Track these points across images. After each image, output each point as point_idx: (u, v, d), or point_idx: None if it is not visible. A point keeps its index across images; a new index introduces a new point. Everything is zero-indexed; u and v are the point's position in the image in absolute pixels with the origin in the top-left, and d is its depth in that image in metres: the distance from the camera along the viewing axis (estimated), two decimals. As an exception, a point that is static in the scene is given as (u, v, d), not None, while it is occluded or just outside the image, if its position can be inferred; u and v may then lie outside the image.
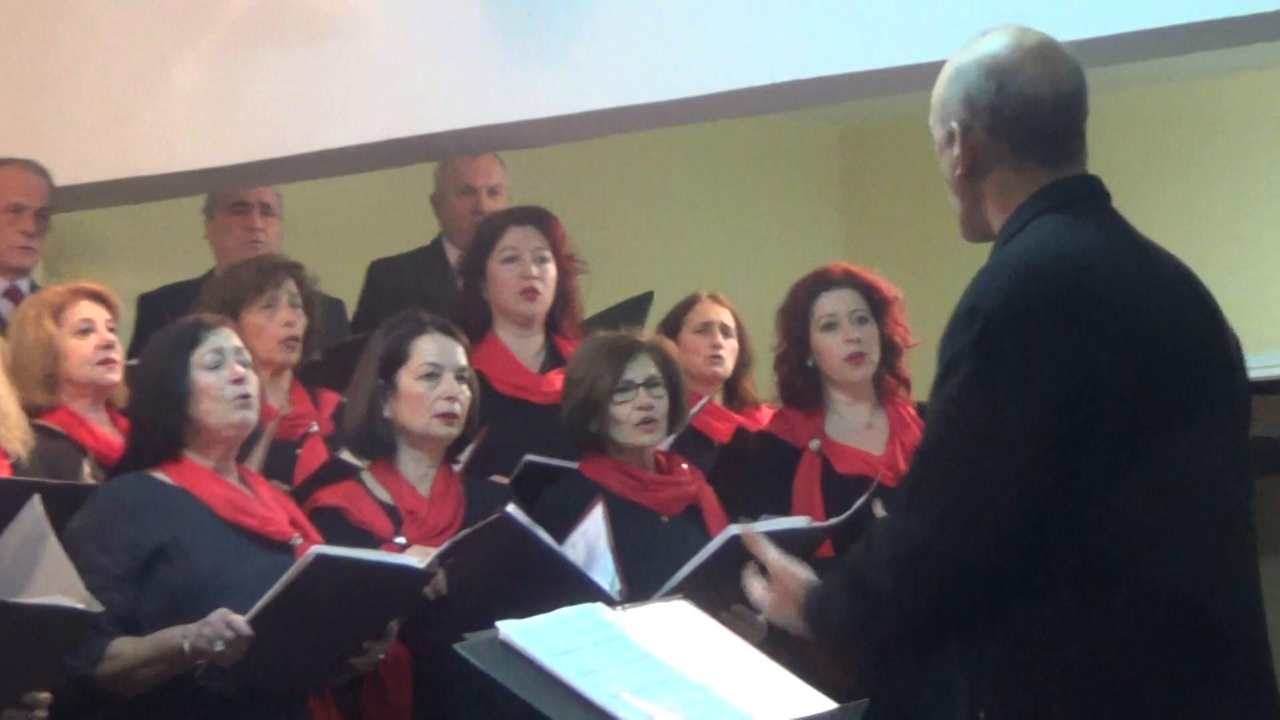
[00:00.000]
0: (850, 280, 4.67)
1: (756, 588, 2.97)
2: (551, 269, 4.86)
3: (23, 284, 5.04)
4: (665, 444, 4.56)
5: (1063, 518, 2.66)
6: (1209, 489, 2.73)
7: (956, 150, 2.81)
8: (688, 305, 5.22)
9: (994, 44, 2.83)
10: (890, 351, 4.69)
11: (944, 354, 2.73)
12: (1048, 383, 2.66)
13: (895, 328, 4.69)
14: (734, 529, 3.91)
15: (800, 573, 2.90)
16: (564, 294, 4.92)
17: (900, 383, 4.69)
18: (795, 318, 4.68)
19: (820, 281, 4.68)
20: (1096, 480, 2.68)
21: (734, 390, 5.09)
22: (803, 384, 4.69)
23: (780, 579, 2.93)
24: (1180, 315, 2.79)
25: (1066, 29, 3.36)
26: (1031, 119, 2.81)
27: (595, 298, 5.30)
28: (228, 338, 3.87)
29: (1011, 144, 2.81)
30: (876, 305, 4.67)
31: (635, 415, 4.31)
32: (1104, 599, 2.64)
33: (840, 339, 4.55)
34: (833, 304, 4.62)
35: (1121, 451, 2.69)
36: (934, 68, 2.91)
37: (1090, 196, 2.85)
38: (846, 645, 2.92)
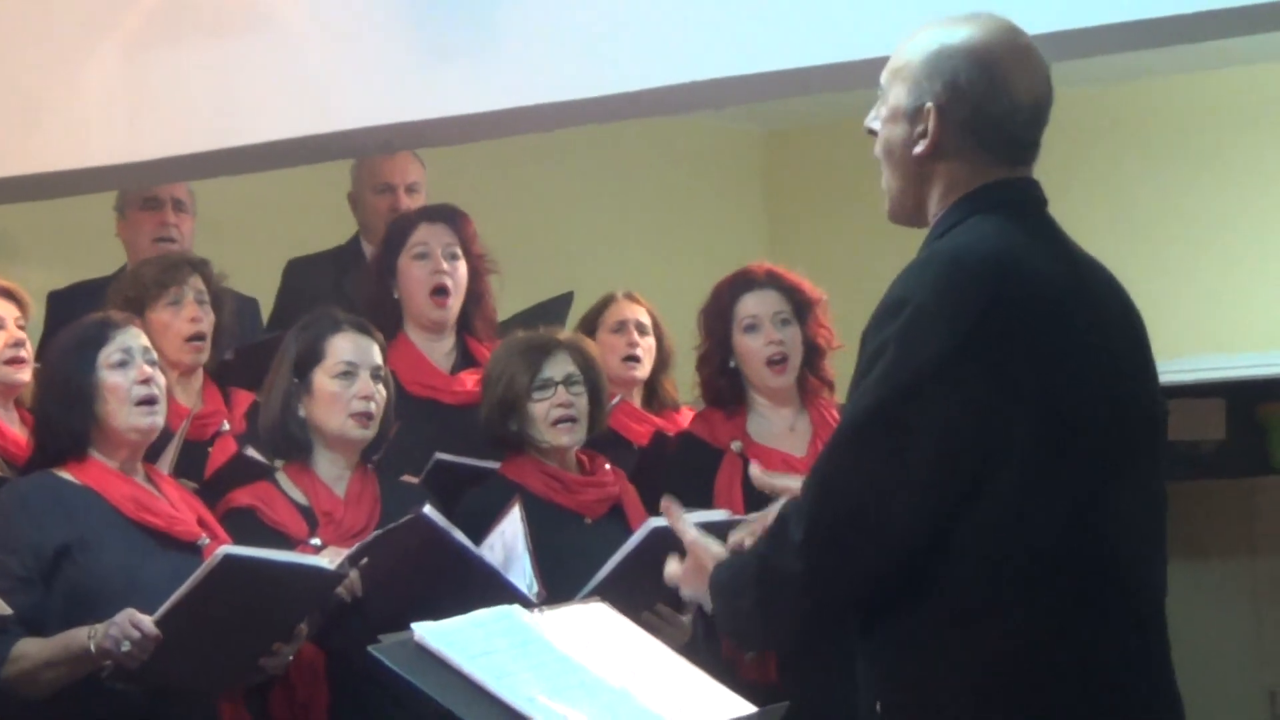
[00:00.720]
0: (773, 281, 4.66)
1: (673, 564, 2.95)
2: (462, 266, 4.85)
3: None
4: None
5: (967, 519, 2.64)
6: (1120, 498, 2.72)
7: (923, 128, 2.77)
8: (604, 304, 5.20)
9: (985, 34, 2.81)
10: (813, 353, 4.68)
11: (867, 345, 2.69)
12: (967, 381, 2.62)
13: (819, 329, 4.68)
14: (655, 521, 3.90)
15: (714, 547, 2.89)
16: (476, 293, 4.92)
17: (824, 384, 4.69)
18: (717, 318, 4.65)
19: (742, 282, 4.66)
20: (1005, 484, 2.65)
21: (653, 391, 5.10)
22: (725, 385, 4.68)
23: (694, 553, 2.92)
24: (1103, 323, 2.78)
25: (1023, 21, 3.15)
26: (1010, 124, 2.79)
27: (514, 298, 5.31)
28: (135, 336, 3.85)
29: (981, 140, 2.78)
30: (800, 306, 4.65)
31: (554, 413, 4.29)
32: (997, 600, 2.64)
33: (762, 340, 4.53)
34: (755, 305, 4.60)
35: (1034, 454, 2.66)
36: (859, 66, 3.01)
37: (1029, 201, 2.82)
38: (746, 625, 2.92)
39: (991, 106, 2.75)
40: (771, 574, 2.75)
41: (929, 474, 2.64)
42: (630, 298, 5.21)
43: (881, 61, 2.86)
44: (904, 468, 2.65)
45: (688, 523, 2.98)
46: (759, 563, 2.77)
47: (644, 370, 5.00)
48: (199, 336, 4.53)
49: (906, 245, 2.81)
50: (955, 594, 2.65)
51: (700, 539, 2.93)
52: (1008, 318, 2.65)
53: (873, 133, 2.84)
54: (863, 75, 3.08)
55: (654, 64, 4.95)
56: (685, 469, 4.56)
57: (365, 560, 3.76)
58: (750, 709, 3.41)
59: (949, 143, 2.75)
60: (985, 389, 2.62)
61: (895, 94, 2.79)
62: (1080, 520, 2.68)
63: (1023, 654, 2.65)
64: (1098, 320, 2.78)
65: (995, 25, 2.81)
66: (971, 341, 2.62)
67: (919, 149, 2.75)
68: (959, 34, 2.77)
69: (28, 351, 4.22)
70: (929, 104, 2.73)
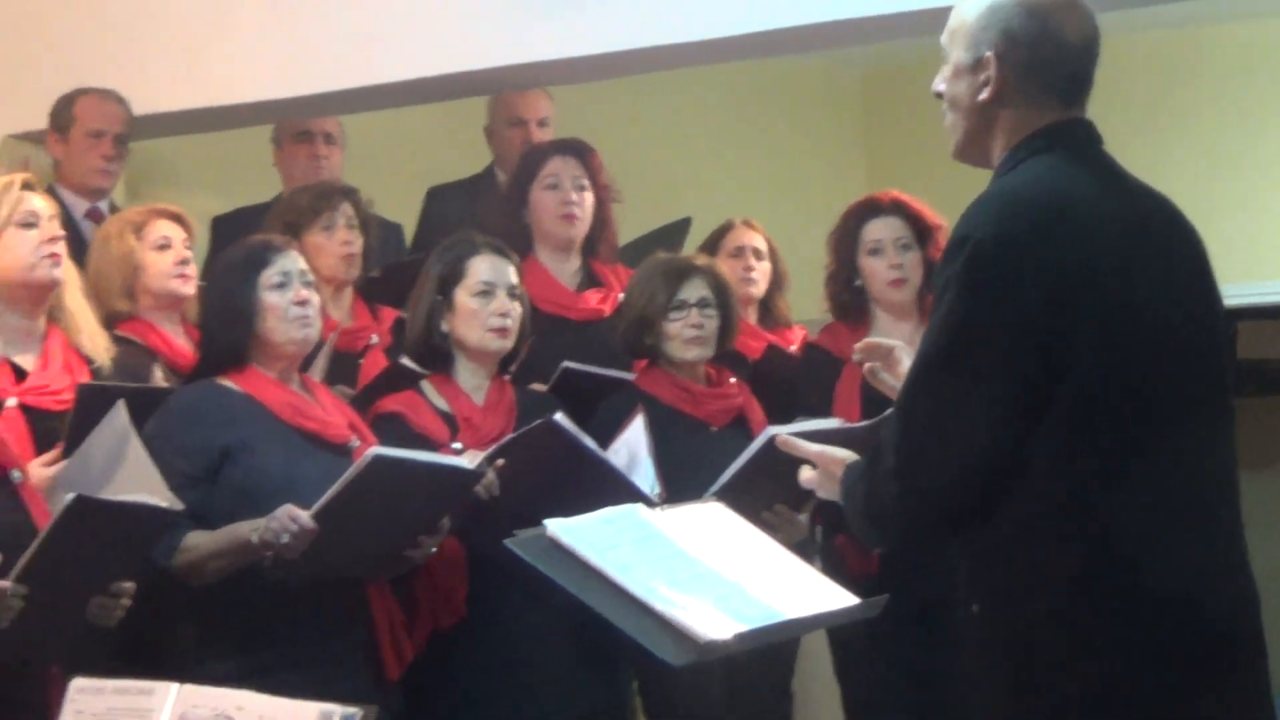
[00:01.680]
0: (897, 209, 4.70)
1: (806, 471, 3.03)
2: (589, 196, 4.93)
3: (103, 205, 5.11)
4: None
5: (1035, 437, 2.71)
6: (1182, 418, 2.76)
7: (984, 76, 2.81)
8: (723, 231, 5.25)
9: None
10: (932, 274, 4.63)
11: (936, 281, 2.79)
12: (1025, 311, 2.68)
13: (937, 253, 4.62)
14: (771, 430, 3.93)
15: (838, 453, 2.99)
16: (600, 220, 5.00)
17: None
18: (844, 241, 4.71)
19: (869, 209, 4.72)
20: (1067, 404, 2.71)
21: (768, 310, 5.14)
22: (849, 301, 4.73)
23: (823, 463, 3.01)
24: (1159, 251, 2.82)
25: None
26: (1062, 63, 2.83)
27: (634, 226, 5.39)
28: (294, 260, 3.92)
29: (1039, 82, 2.82)
30: (921, 232, 4.70)
31: (687, 332, 4.37)
32: (1066, 511, 2.70)
33: (884, 263, 4.60)
34: (879, 230, 4.66)
35: (1093, 377, 2.71)
36: (948, 12, 2.95)
37: (1085, 140, 2.87)
38: (863, 527, 2.98)
39: (1044, 48, 2.81)
40: (873, 493, 2.85)
41: (997, 401, 2.70)
42: (748, 224, 5.26)
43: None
44: (974, 397, 2.72)
45: (804, 443, 3.11)
46: (865, 484, 2.87)
47: (760, 291, 5.07)
48: (350, 256, 4.64)
49: (988, 179, 2.89)
50: (1030, 506, 2.72)
51: (825, 450, 3.04)
52: (1062, 250, 2.70)
53: (939, 95, 2.90)
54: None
55: (760, 10, 5.07)
56: (809, 377, 4.64)
57: (501, 461, 3.82)
58: (854, 600, 3.43)
59: (1010, 88, 2.80)
60: (1043, 318, 2.67)
61: (956, 53, 2.84)
62: (1138, 436, 2.73)
63: (1092, 560, 2.72)
64: (1154, 248, 2.83)
65: None
66: (1027, 274, 2.68)
67: (983, 95, 2.80)
68: None
69: (193, 270, 4.33)
70: (988, 53, 2.78)
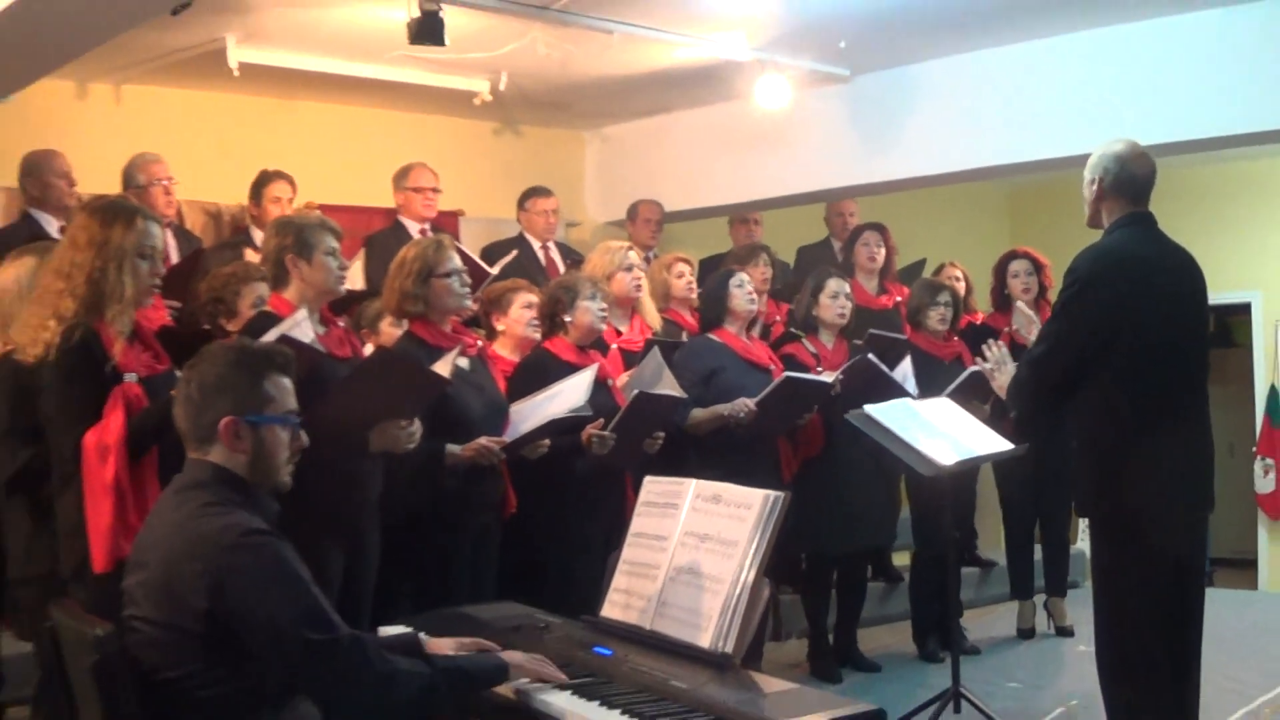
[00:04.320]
0: (1025, 255, 6.27)
1: (995, 377, 3.96)
2: (883, 251, 6.50)
3: None
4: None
5: (1104, 360, 3.49)
6: (1171, 359, 3.52)
7: (1095, 189, 3.64)
8: (940, 267, 6.87)
9: (1120, 145, 3.69)
10: (1043, 290, 6.11)
11: (1061, 290, 3.60)
12: (1100, 308, 3.49)
13: (1045, 279, 6.12)
14: (973, 368, 5.39)
15: (1010, 369, 3.89)
16: (888, 261, 6.58)
17: (1048, 304, 5.95)
18: (999, 271, 6.31)
19: (1011, 256, 6.29)
20: (1120, 345, 3.47)
21: (965, 305, 6.43)
22: (1000, 303, 6.20)
23: (1003, 374, 3.91)
24: (1175, 279, 3.59)
25: (1145, 136, 4.24)
26: (1132, 184, 3.64)
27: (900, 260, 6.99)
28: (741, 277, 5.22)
29: (1120, 192, 3.64)
30: (1038, 268, 6.20)
31: (938, 315, 5.97)
32: (1113, 393, 3.50)
33: (1020, 284, 6.20)
34: (1017, 267, 6.25)
35: (1131, 337, 3.46)
36: (1080, 158, 3.81)
37: (1145, 221, 3.65)
38: (1014, 402, 3.87)
39: (1123, 177, 3.62)
40: (1018, 379, 3.75)
41: (1083, 340, 3.50)
42: (953, 265, 6.89)
43: (1085, 156, 3.80)
44: (1072, 336, 3.53)
45: (998, 374, 3.93)
46: (1014, 378, 3.77)
47: (961, 295, 6.31)
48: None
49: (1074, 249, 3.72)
50: (1100, 391, 3.52)
51: (1005, 367, 3.90)
52: (1119, 276, 3.48)
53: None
54: (1085, 161, 3.84)
55: (974, 153, 6.80)
56: (978, 347, 4.88)
57: (841, 377, 5.15)
58: (1011, 445, 4.83)
59: (1106, 195, 3.63)
60: (1105, 308, 3.47)
61: (1085, 178, 3.68)
62: (1154, 363, 3.49)
63: (1127, 416, 3.49)
64: (1171, 278, 3.57)
65: (1120, 142, 3.70)
66: (1101, 287, 3.48)
67: (1092, 197, 3.64)
68: (1107, 148, 3.68)
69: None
70: (1096, 178, 3.64)
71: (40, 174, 5.25)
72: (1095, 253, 3.54)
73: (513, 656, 2.86)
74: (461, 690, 2.76)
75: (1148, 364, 3.47)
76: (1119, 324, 3.45)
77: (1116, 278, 3.48)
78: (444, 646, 2.93)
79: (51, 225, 5.16)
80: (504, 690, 2.84)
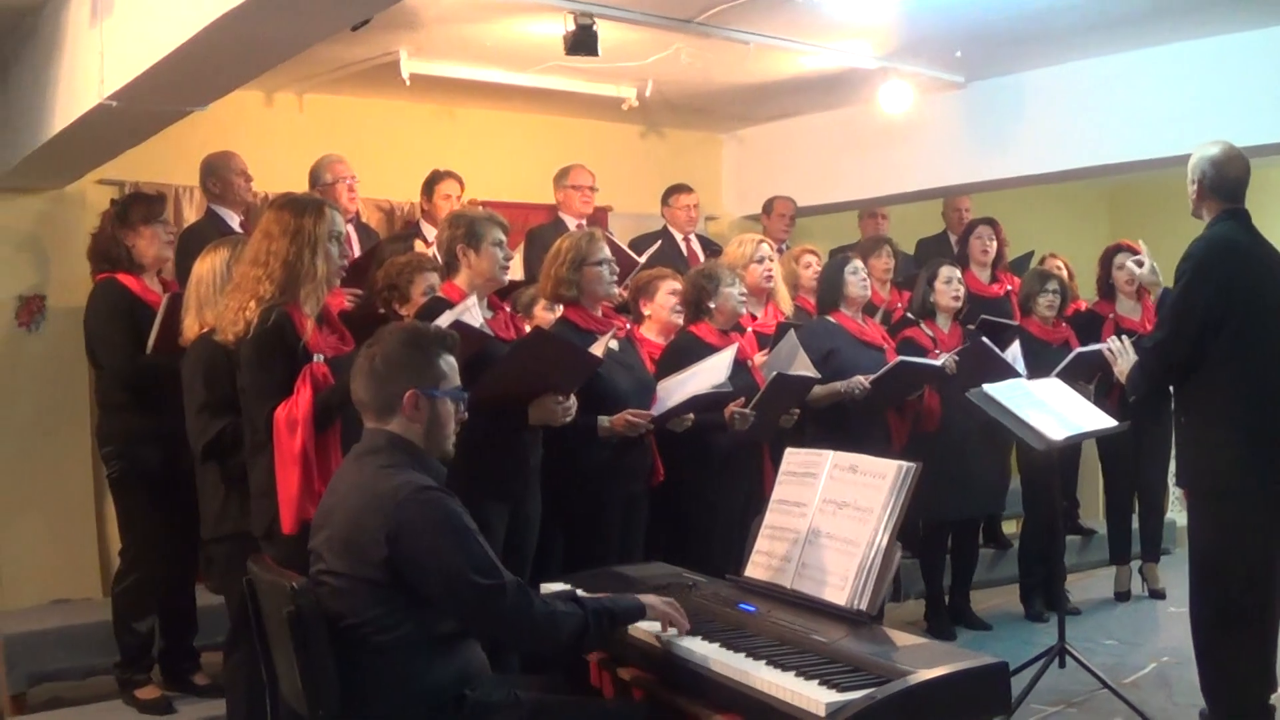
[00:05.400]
0: (1130, 250, 5.99)
1: (1117, 363, 3.96)
2: (995, 244, 6.49)
3: None
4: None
5: (1214, 341, 3.53)
6: (1271, 343, 3.58)
7: (1194, 189, 3.71)
8: (1044, 258, 6.78)
9: (1215, 149, 3.72)
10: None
11: (1178, 273, 3.59)
12: (1212, 291, 3.54)
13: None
14: (1079, 350, 5.45)
15: (1132, 355, 3.89)
16: (1000, 252, 6.42)
17: (1147, 291, 5.77)
18: (1105, 262, 6.24)
19: (1116, 249, 6.20)
20: (1228, 328, 3.52)
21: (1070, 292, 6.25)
22: (1106, 287, 6.11)
23: (1125, 358, 3.90)
24: (1268, 266, 3.66)
25: (1241, 137, 4.12)
26: (1227, 186, 3.70)
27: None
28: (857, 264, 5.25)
29: (1216, 193, 3.70)
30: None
31: (1047, 302, 5.86)
32: (1219, 373, 3.54)
33: (1125, 275, 6.07)
34: (1121, 260, 6.10)
35: (1236, 320, 3.54)
36: (1174, 159, 4.24)
37: (1242, 217, 3.71)
38: (1136, 383, 3.84)
39: (1219, 178, 3.67)
40: (1141, 362, 3.73)
41: (1196, 327, 3.55)
42: (1053, 256, 6.80)
43: (1178, 156, 3.99)
44: (1187, 323, 3.57)
45: (1113, 357, 3.95)
46: (1138, 362, 3.75)
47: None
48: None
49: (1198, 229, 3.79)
50: (1210, 369, 3.56)
51: (1128, 353, 3.87)
52: (1226, 265, 3.54)
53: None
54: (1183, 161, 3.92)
55: (1078, 154, 6.63)
56: (1084, 332, 6.00)
57: (957, 359, 5.14)
58: (1115, 422, 4.74)
59: (1206, 193, 3.69)
60: (1217, 293, 3.52)
61: (1188, 176, 3.72)
62: (1256, 345, 3.55)
63: (1229, 394, 3.56)
64: (1266, 264, 3.66)
65: (1217, 144, 3.73)
66: (1213, 274, 3.54)
67: (1195, 196, 3.71)
68: (1205, 150, 3.71)
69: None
70: (1196, 178, 3.70)
71: (221, 173, 5.37)
72: (1205, 242, 3.58)
73: (648, 598, 2.91)
74: (608, 626, 2.83)
75: (1250, 345, 3.50)
76: (1229, 305, 3.49)
77: (1225, 263, 3.52)
78: None
79: (233, 220, 5.31)
80: (648, 638, 2.91)
